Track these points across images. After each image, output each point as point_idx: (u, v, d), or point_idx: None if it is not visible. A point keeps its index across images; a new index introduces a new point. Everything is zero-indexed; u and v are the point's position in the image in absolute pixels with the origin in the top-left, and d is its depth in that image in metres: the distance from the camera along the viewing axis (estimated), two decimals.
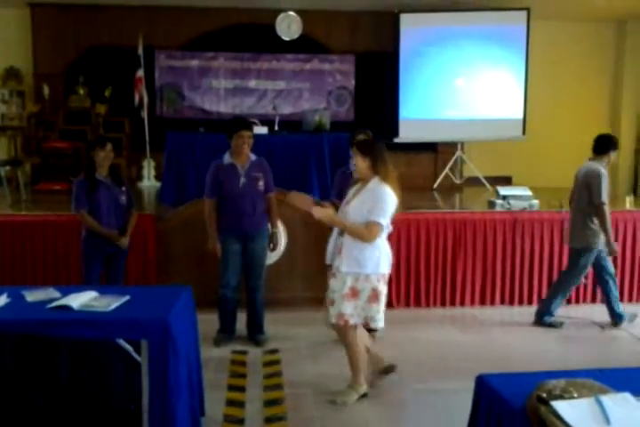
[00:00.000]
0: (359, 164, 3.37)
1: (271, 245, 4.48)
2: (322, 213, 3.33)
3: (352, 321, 3.39)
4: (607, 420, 1.80)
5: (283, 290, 4.96)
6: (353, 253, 3.32)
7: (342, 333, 3.49)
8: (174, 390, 2.69)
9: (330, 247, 3.51)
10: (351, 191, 3.47)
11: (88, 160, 4.32)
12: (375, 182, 3.33)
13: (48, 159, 7.69)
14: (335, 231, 3.50)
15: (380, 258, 3.36)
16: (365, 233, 3.28)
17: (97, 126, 8.05)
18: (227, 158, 4.32)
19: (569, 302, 5.58)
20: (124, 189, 4.35)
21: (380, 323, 3.42)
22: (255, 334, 4.47)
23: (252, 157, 4.35)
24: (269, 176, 4.41)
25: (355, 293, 3.35)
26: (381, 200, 3.27)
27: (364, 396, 3.55)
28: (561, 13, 8.51)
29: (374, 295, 3.35)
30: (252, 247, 4.36)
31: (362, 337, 3.59)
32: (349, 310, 3.36)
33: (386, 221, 3.31)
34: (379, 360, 3.76)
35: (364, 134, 4.37)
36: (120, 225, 4.33)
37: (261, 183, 4.33)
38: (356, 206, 3.34)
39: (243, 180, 4.27)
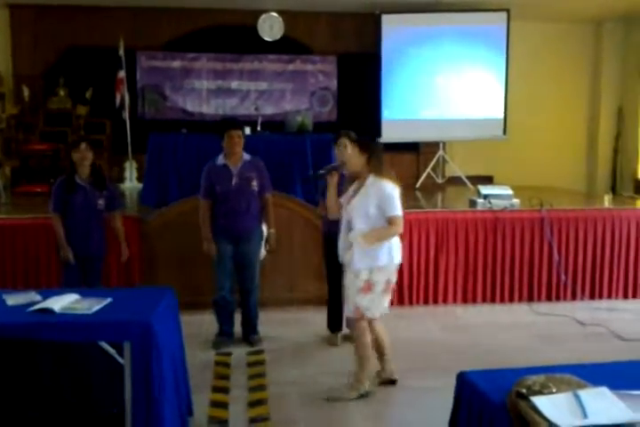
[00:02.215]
0: (354, 160, 3.46)
1: (267, 246, 4.45)
2: (366, 242, 3.33)
3: (368, 314, 3.41)
4: (585, 414, 1.83)
5: (266, 290, 4.96)
6: (365, 248, 3.35)
7: (355, 325, 3.49)
8: (158, 392, 2.68)
9: (340, 244, 3.52)
10: (350, 190, 3.51)
11: (69, 162, 4.31)
12: (372, 179, 3.41)
13: (28, 161, 7.61)
14: (344, 228, 3.49)
15: (391, 249, 3.43)
16: (393, 229, 3.38)
17: (78, 128, 7.97)
18: (220, 159, 4.31)
19: (549, 298, 5.66)
20: (104, 192, 4.28)
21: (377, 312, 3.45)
22: (249, 334, 4.46)
23: (247, 156, 4.31)
24: (265, 176, 4.37)
25: (369, 286, 3.38)
26: (389, 196, 3.37)
27: (363, 395, 3.52)
28: (540, 14, 8.61)
29: (387, 287, 3.42)
30: (243, 249, 4.32)
31: (383, 334, 3.59)
32: (365, 303, 3.39)
33: (400, 211, 3.40)
34: (386, 367, 3.69)
35: (347, 135, 4.36)
36: (96, 230, 4.26)
37: (255, 184, 4.28)
38: (358, 204, 3.40)
39: (235, 180, 4.23)
